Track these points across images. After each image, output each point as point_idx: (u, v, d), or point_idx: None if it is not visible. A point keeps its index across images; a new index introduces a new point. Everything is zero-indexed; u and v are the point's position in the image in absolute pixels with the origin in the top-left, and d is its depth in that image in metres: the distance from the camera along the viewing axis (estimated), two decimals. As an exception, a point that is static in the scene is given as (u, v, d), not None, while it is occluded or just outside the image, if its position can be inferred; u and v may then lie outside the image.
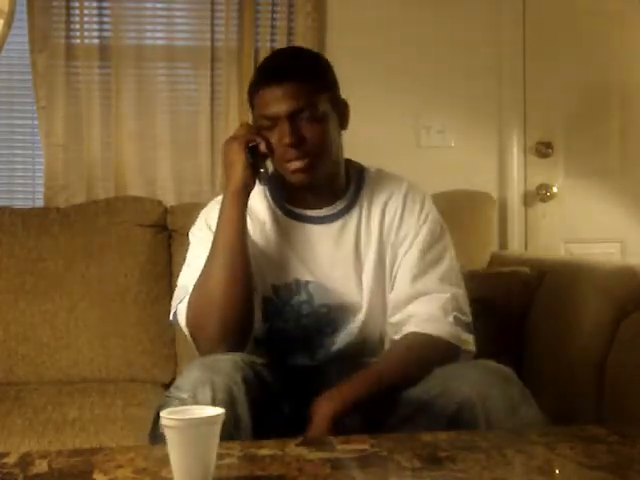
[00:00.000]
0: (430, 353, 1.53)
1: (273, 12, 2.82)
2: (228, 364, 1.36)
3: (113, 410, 2.01)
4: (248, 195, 1.56)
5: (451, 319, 1.55)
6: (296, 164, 1.54)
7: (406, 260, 1.61)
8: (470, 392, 1.38)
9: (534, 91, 3.02)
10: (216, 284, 1.50)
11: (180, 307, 1.56)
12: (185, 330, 1.56)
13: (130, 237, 2.42)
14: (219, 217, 1.55)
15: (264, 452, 1.21)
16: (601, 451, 1.23)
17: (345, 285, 1.61)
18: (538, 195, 3.05)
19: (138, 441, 1.84)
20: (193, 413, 1.10)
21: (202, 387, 1.32)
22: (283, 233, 1.63)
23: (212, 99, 2.81)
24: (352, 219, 1.63)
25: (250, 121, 1.66)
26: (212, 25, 2.81)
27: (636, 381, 1.90)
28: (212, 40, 2.81)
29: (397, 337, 1.58)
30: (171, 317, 1.61)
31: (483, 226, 2.74)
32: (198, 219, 1.69)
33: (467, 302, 1.61)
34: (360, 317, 1.61)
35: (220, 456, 1.12)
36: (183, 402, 1.31)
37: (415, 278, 1.59)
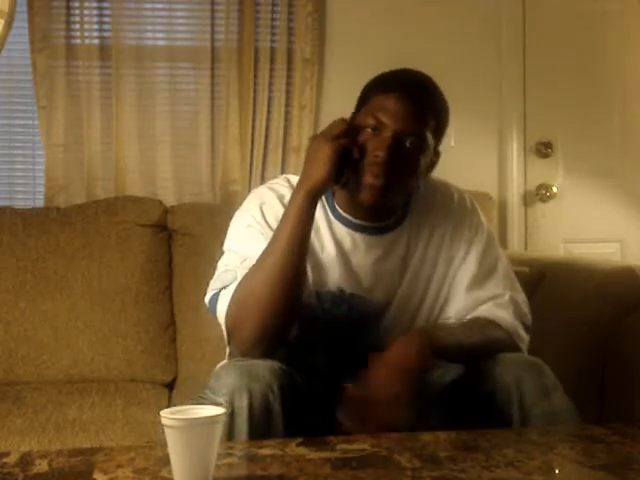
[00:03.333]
0: (495, 336, 1.53)
1: (273, 12, 2.82)
2: (266, 371, 1.34)
3: (113, 410, 2.01)
4: (320, 197, 1.49)
5: (511, 313, 1.56)
6: (374, 181, 1.47)
7: (462, 272, 1.60)
8: (505, 374, 1.40)
9: (534, 91, 3.02)
10: (265, 288, 1.43)
11: (224, 293, 1.50)
12: (220, 320, 1.51)
13: (130, 237, 2.42)
14: (287, 212, 1.47)
15: (264, 452, 1.21)
16: (601, 451, 1.23)
17: (388, 297, 1.59)
18: (538, 195, 3.05)
19: (138, 441, 1.84)
20: (193, 413, 1.10)
21: (239, 393, 1.30)
22: (334, 239, 1.58)
23: (212, 99, 2.81)
24: (403, 231, 1.60)
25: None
26: (212, 25, 2.81)
27: (636, 381, 1.91)
28: (212, 40, 2.81)
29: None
30: (208, 298, 1.54)
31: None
32: (250, 203, 1.61)
33: (526, 305, 1.61)
34: (386, 320, 1.59)
35: (220, 456, 1.12)
36: (219, 407, 1.27)
37: (472, 289, 1.59)
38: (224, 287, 1.50)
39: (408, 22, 2.93)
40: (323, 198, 1.56)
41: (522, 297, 1.62)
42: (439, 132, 1.54)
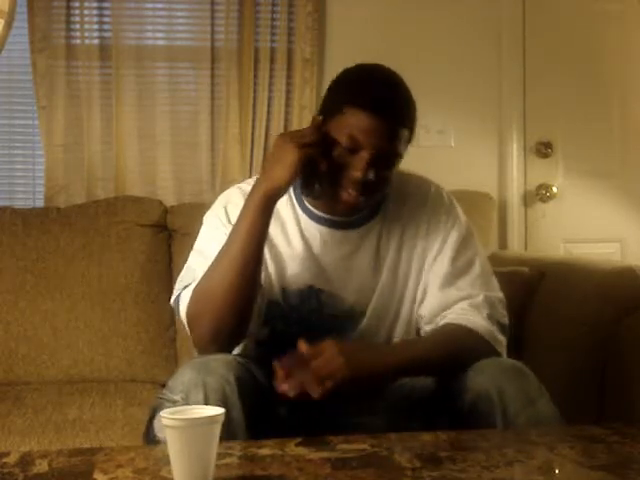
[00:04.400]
0: (467, 344, 1.48)
1: (273, 12, 2.82)
2: (221, 364, 1.34)
3: (113, 410, 2.01)
4: (277, 200, 1.47)
5: (485, 316, 1.51)
6: (351, 197, 1.47)
7: (436, 269, 1.57)
8: (487, 384, 1.37)
9: (534, 91, 3.02)
10: (220, 285, 1.44)
11: (184, 293, 1.53)
12: (182, 317, 1.53)
13: (130, 237, 2.43)
14: (241, 215, 1.46)
15: (264, 452, 1.21)
16: (601, 451, 1.23)
17: (358, 293, 1.57)
18: (538, 195, 3.05)
19: (138, 441, 1.83)
20: (193, 413, 1.10)
21: (195, 389, 1.30)
22: (302, 235, 1.57)
23: (212, 99, 2.81)
24: (375, 225, 1.58)
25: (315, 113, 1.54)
26: (212, 25, 2.81)
27: (636, 381, 1.91)
28: (212, 40, 2.81)
29: (428, 328, 1.54)
30: (172, 300, 1.57)
31: (483, 226, 2.73)
32: (217, 203, 1.62)
33: (503, 304, 1.57)
34: (365, 321, 1.57)
35: (220, 456, 1.12)
36: (175, 404, 1.29)
37: (445, 287, 1.55)
38: (185, 287, 1.54)
39: (408, 22, 2.93)
40: (291, 192, 1.57)
41: (498, 296, 1.57)
42: (411, 137, 1.51)
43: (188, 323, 1.51)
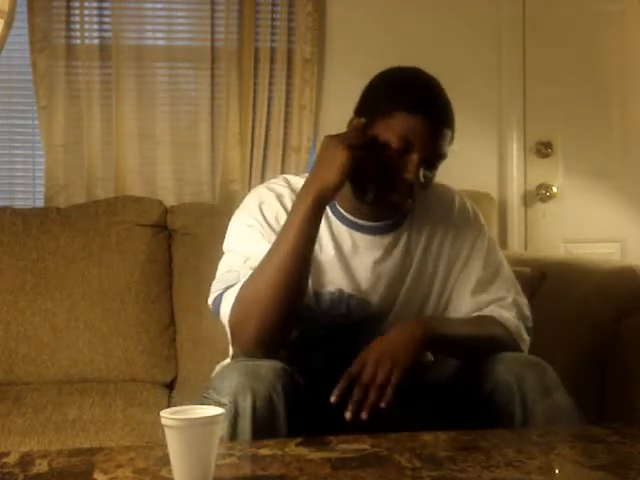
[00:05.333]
0: (497, 333, 1.52)
1: (273, 12, 2.82)
2: (269, 371, 1.33)
3: (113, 410, 2.01)
4: (328, 203, 1.47)
5: (514, 315, 1.56)
6: (402, 200, 1.49)
7: (466, 275, 1.60)
8: (506, 373, 1.40)
9: (534, 91, 3.02)
10: (269, 288, 1.41)
11: (227, 294, 1.49)
12: (224, 320, 1.50)
13: (130, 237, 2.42)
14: (291, 217, 1.44)
15: (264, 452, 1.21)
16: (601, 451, 1.23)
17: (385, 299, 1.58)
18: (538, 195, 3.05)
19: (138, 441, 1.84)
20: (193, 413, 1.10)
21: (243, 394, 1.29)
22: (334, 238, 1.57)
23: (212, 99, 2.81)
24: (404, 232, 1.59)
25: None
26: (212, 25, 2.81)
27: (636, 381, 1.91)
28: (212, 40, 2.81)
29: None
30: (211, 301, 1.53)
31: (483, 226, 2.74)
32: (249, 202, 1.59)
33: (528, 308, 1.61)
34: (387, 324, 1.56)
35: (220, 456, 1.12)
36: (223, 407, 1.24)
37: (477, 293, 1.59)
38: (227, 288, 1.50)
39: (408, 22, 2.92)
40: None
41: (524, 300, 1.62)
42: (453, 137, 1.53)
43: (233, 326, 1.48)
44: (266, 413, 1.27)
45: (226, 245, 1.59)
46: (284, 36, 2.82)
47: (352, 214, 1.57)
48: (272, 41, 2.82)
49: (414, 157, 1.45)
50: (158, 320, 2.39)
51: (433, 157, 1.48)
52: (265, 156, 2.81)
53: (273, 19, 2.82)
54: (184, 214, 2.51)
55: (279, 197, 1.57)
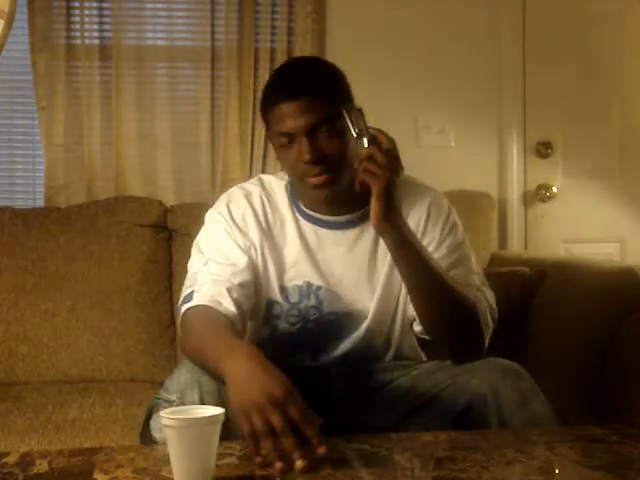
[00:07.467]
0: (466, 296, 1.49)
1: (273, 12, 2.82)
2: None
3: (113, 410, 2.01)
4: None
5: (481, 299, 1.53)
6: (318, 179, 1.49)
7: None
8: (481, 386, 1.38)
9: (534, 91, 3.02)
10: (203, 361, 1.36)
11: (182, 309, 1.48)
12: (178, 324, 1.52)
13: (130, 237, 2.43)
14: (221, 349, 1.31)
15: (264, 452, 1.20)
16: (601, 451, 1.23)
17: (355, 292, 1.58)
18: (538, 195, 3.05)
19: (138, 441, 1.83)
20: (193, 413, 1.10)
21: (190, 389, 1.31)
22: (299, 234, 1.59)
23: (212, 99, 2.81)
24: (370, 227, 1.57)
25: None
26: (212, 25, 2.81)
27: (636, 381, 1.91)
28: (212, 40, 2.81)
29: (419, 329, 1.57)
30: (180, 302, 1.52)
31: (483, 226, 2.74)
32: (219, 201, 1.62)
33: (494, 301, 1.57)
34: (366, 323, 1.58)
35: (220, 456, 1.12)
36: (171, 404, 1.29)
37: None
38: (186, 297, 1.49)
39: (408, 23, 2.92)
40: (288, 195, 1.61)
41: (491, 294, 1.59)
42: (345, 98, 1.51)
43: (180, 342, 1.49)
44: (215, 405, 1.22)
45: (195, 240, 1.61)
46: (284, 36, 2.81)
47: (316, 211, 1.59)
48: (272, 41, 2.82)
49: (299, 140, 1.47)
50: (158, 320, 2.39)
51: (321, 124, 1.46)
52: (265, 156, 2.81)
53: (273, 19, 2.82)
54: (184, 214, 2.51)
55: (247, 196, 1.60)
